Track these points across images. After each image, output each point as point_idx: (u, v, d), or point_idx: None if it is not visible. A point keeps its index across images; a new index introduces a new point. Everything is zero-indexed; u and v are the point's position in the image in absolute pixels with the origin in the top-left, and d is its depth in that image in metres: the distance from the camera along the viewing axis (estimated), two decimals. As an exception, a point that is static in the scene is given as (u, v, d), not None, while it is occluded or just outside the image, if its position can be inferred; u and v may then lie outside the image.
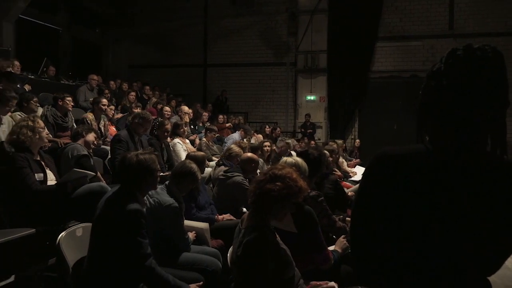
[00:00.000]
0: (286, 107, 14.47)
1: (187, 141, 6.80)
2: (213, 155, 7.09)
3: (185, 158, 4.22)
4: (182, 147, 6.20)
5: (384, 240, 1.23)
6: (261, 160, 6.28)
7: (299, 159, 2.98)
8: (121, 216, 2.41)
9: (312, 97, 13.74)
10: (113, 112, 7.18)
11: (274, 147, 7.80)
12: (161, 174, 4.51)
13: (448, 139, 1.17)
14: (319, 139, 12.76)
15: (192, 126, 8.69)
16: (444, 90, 1.17)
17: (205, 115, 9.73)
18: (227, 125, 10.77)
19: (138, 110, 7.01)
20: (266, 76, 14.56)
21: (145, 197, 2.96)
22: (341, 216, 3.61)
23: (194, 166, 3.28)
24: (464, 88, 1.14)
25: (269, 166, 6.96)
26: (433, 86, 1.20)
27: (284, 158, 3.03)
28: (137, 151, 2.70)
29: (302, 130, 13.05)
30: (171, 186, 3.18)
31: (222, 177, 4.48)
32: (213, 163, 6.12)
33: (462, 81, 1.14)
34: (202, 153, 4.62)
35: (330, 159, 5.89)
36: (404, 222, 1.19)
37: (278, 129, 11.03)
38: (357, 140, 12.65)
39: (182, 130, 6.50)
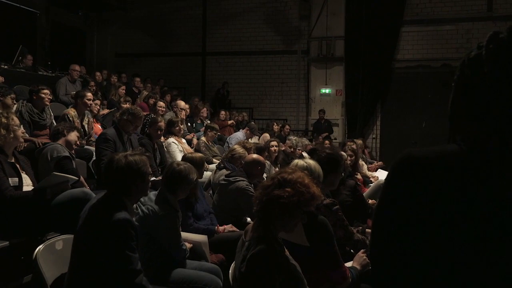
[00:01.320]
0: (297, 102, 14.48)
1: (184, 140, 6.83)
2: (213, 156, 7.12)
3: (181, 160, 4.23)
4: (177, 148, 6.23)
5: (411, 257, 1.20)
6: (268, 163, 6.29)
7: (312, 162, 2.99)
8: (107, 226, 2.42)
9: (327, 90, 13.75)
10: (98, 107, 7.22)
11: (283, 147, 7.80)
12: (154, 178, 4.54)
13: (489, 138, 1.14)
14: (335, 139, 12.77)
15: (189, 124, 8.74)
16: (485, 80, 1.13)
17: (204, 111, 9.76)
18: (229, 122, 10.80)
19: (127, 105, 7.05)
20: (274, 66, 14.60)
21: (135, 205, 2.97)
22: (360, 228, 3.60)
23: (184, 167, 3.28)
24: (511, 77, 1.10)
25: (277, 169, 7.00)
26: (469, 76, 1.18)
27: (295, 161, 3.03)
28: (126, 152, 2.72)
29: (316, 128, 13.05)
30: (164, 192, 3.20)
31: (223, 182, 4.49)
32: (213, 166, 6.13)
33: (508, 69, 1.11)
34: (200, 154, 4.64)
35: (348, 161, 5.88)
36: (436, 237, 1.16)
37: (288, 127, 11.06)
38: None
39: (177, 128, 6.53)
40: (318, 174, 2.96)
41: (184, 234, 3.54)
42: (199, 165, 4.19)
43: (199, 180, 4.49)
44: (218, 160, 6.39)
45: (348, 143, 8.08)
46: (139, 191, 2.65)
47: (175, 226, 3.08)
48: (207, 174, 5.99)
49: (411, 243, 1.21)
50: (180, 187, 3.23)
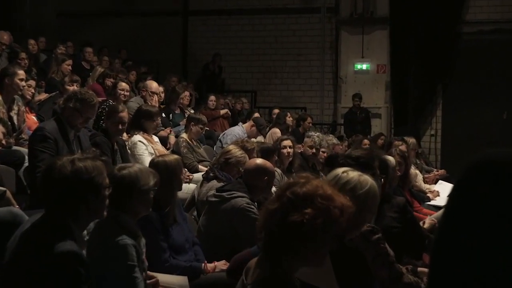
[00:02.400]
0: (320, 83, 14.50)
1: (156, 139, 6.83)
2: (199, 162, 7.12)
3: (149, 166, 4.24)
4: (146, 149, 6.23)
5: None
6: (278, 171, 6.28)
7: (370, 182, 2.93)
8: (45, 263, 2.43)
9: (364, 66, 13.78)
10: (33, 91, 7.23)
11: (301, 149, 7.80)
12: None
13: None
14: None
15: (163, 115, 8.74)
16: None
17: (186, 96, 9.77)
18: (223, 112, 10.79)
19: (74, 88, 7.04)
20: (288, 30, 14.64)
21: (85, 231, 2.97)
22: (410, 266, 3.60)
23: (130, 170, 3.24)
24: None
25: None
26: None
27: (336, 171, 2.98)
28: (73, 154, 2.72)
29: (348, 120, 13.04)
30: (112, 211, 3.15)
31: (214, 199, 4.47)
32: (198, 176, 6.13)
33: None
34: (175, 156, 4.61)
35: (397, 170, 5.85)
36: None
37: (309, 119, 10.99)
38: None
39: (154, 122, 6.53)
40: (369, 203, 2.90)
41: (157, 276, 3.53)
42: (174, 173, 4.16)
43: (178, 196, 4.49)
44: (207, 167, 6.38)
45: (396, 142, 8.07)
46: (92, 211, 2.66)
47: (132, 263, 3.07)
48: (189, 188, 5.98)
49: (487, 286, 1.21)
50: (130, 200, 3.21)
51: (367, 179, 2.91)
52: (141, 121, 6.47)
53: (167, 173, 3.99)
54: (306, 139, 8.02)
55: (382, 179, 3.86)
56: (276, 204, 2.21)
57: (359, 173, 2.94)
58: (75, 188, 2.59)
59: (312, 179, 2.26)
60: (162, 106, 8.86)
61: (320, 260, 2.23)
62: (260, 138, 8.84)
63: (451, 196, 1.26)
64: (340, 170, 2.95)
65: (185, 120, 8.11)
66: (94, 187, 2.63)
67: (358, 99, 13.06)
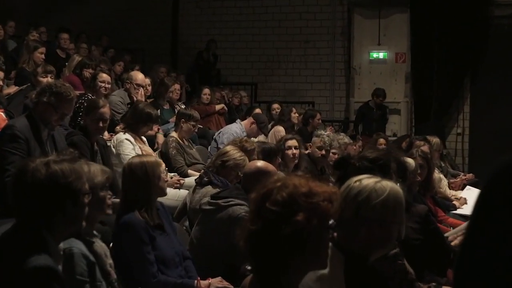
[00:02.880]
0: (331, 74, 14.50)
1: (144, 138, 6.83)
2: (190, 164, 7.13)
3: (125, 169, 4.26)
4: (133, 149, 6.24)
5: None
6: (282, 175, 6.29)
7: (390, 188, 2.82)
8: (16, 279, 2.44)
9: (381, 55, 13.81)
10: (0, 83, 7.24)
11: (308, 149, 7.80)
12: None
13: None
14: (394, 135, 12.77)
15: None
16: None
17: (176, 88, 9.76)
18: (218, 107, 10.80)
19: (48, 80, 7.04)
20: (293, 13, 14.65)
21: (62, 244, 2.98)
22: (434, 284, 3.61)
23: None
24: None
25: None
26: None
27: (349, 181, 2.88)
28: (47, 156, 2.73)
29: (362, 116, 13.02)
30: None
31: (208, 207, 4.50)
32: (190, 181, 6.13)
33: None
34: (153, 158, 4.57)
35: (418, 175, 5.84)
36: None
37: (318, 115, 10.96)
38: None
39: (147, 126, 6.54)
40: (390, 213, 2.82)
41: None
42: (153, 176, 4.16)
43: (164, 202, 4.50)
44: (200, 170, 6.39)
45: (417, 142, 8.07)
46: (69, 221, 2.66)
47: (81, 277, 3.05)
48: (180, 195, 5.98)
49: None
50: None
51: (385, 185, 2.77)
52: (139, 125, 6.48)
53: (144, 175, 4.04)
54: (314, 139, 7.98)
55: (398, 184, 3.85)
56: (259, 223, 2.17)
57: (376, 179, 2.81)
58: (50, 195, 2.58)
59: (284, 179, 2.25)
60: (148, 101, 8.84)
61: (324, 260, 2.23)
62: (261, 138, 8.82)
63: (477, 205, 1.27)
64: (353, 180, 2.83)
65: (175, 116, 8.07)
66: (72, 193, 2.63)
67: (381, 96, 12.84)
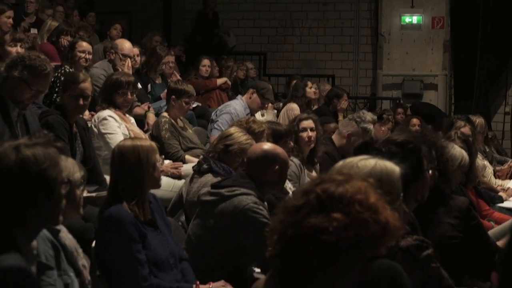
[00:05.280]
0: (354, 42, 14.45)
1: (131, 119, 6.85)
2: (187, 149, 7.14)
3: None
4: (119, 127, 6.25)
5: None
6: (295, 161, 6.30)
7: (388, 164, 2.98)
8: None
9: (415, 19, 13.77)
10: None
11: (328, 130, 7.80)
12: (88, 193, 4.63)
13: None
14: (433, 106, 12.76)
15: (139, 86, 8.74)
16: None
17: (170, 60, 9.80)
18: (220, 81, 10.82)
19: (17, 50, 7.06)
20: (309, -30, 14.59)
21: (35, 241, 3.00)
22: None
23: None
24: None
25: (314, 173, 6.94)
26: None
27: (351, 160, 3.00)
28: (17, 140, 2.74)
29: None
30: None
31: (208, 197, 4.51)
32: (187, 168, 6.15)
33: None
34: (148, 141, 4.57)
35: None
36: None
37: (346, 96, 10.75)
38: None
39: (124, 95, 6.52)
40: (396, 188, 2.94)
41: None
42: (146, 163, 4.14)
43: (156, 193, 4.51)
44: (198, 156, 6.41)
45: (458, 123, 8.04)
46: (44, 216, 2.68)
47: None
48: (176, 185, 6.01)
49: None
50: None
51: (387, 166, 2.93)
52: (112, 96, 6.48)
53: (136, 162, 4.03)
54: (346, 121, 7.91)
55: (431, 171, 3.84)
56: (300, 201, 2.20)
57: (381, 161, 2.94)
58: (20, 185, 2.59)
59: (355, 180, 2.26)
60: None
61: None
62: (270, 116, 8.77)
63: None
64: (356, 159, 2.95)
65: (166, 92, 7.99)
66: (46, 183, 2.63)
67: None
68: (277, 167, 4.52)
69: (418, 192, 3.42)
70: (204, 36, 13.71)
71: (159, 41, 10.98)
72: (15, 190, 2.59)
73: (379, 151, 3.53)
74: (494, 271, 4.42)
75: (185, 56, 12.31)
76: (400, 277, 2.73)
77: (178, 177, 6.27)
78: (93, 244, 4.12)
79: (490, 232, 5.34)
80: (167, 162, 6.50)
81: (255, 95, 8.51)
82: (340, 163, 3.01)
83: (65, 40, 8.55)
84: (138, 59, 8.91)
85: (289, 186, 5.73)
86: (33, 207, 2.63)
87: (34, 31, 9.68)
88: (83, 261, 3.42)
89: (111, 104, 6.45)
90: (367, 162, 2.93)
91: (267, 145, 4.79)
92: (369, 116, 8.43)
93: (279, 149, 4.69)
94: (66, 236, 3.36)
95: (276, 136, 6.08)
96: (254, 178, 4.50)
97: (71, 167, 3.32)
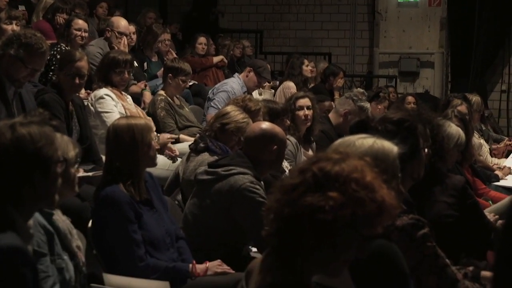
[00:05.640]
0: (351, 20, 14.44)
1: (128, 98, 6.83)
2: (183, 128, 7.13)
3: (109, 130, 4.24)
4: (115, 106, 6.24)
5: None
6: (292, 140, 6.31)
7: (386, 144, 2.98)
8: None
9: (411, -4, 13.71)
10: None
11: (323, 109, 7.78)
12: (82, 173, 4.61)
13: None
14: (426, 92, 12.76)
15: (136, 64, 8.72)
16: None
17: (166, 38, 9.77)
18: (216, 60, 10.80)
19: (13, 28, 7.03)
20: None
21: (31, 220, 3.00)
22: (471, 268, 3.64)
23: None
24: None
25: (311, 152, 6.95)
26: None
27: (348, 139, 3.00)
28: (13, 118, 2.73)
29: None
30: None
31: (205, 176, 4.52)
32: (183, 147, 6.15)
33: None
34: (145, 124, 4.54)
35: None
36: None
37: (342, 74, 10.71)
38: None
39: (122, 74, 6.50)
40: (395, 167, 2.95)
41: (125, 281, 3.60)
42: (141, 142, 4.11)
43: (153, 172, 4.50)
44: (194, 134, 6.40)
45: (454, 101, 8.04)
46: (40, 195, 2.68)
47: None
48: (172, 164, 6.01)
49: None
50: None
51: (384, 145, 2.93)
52: (109, 74, 6.46)
53: (131, 141, 4.02)
54: (343, 100, 7.91)
55: (427, 150, 3.83)
56: (297, 180, 2.21)
57: (378, 140, 2.94)
58: (16, 163, 2.59)
59: (352, 158, 2.26)
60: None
61: (337, 268, 2.24)
62: (267, 95, 8.77)
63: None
64: (353, 138, 2.95)
65: (163, 70, 8.05)
66: (41, 161, 2.63)
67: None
68: (275, 146, 4.52)
69: (414, 171, 3.43)
70: (200, 13, 13.65)
71: (154, 18, 10.97)
72: (11, 169, 2.59)
73: (375, 129, 3.53)
74: (489, 250, 4.44)
75: (181, 34, 12.26)
76: (396, 258, 2.74)
77: (173, 158, 6.26)
78: (90, 223, 4.13)
79: (489, 209, 5.36)
80: (167, 136, 6.49)
81: (251, 74, 8.48)
82: (339, 141, 3.01)
83: (61, 18, 8.51)
84: (134, 37, 8.88)
85: (285, 164, 5.73)
86: (29, 186, 2.62)
87: (22, 8, 9.59)
88: (77, 242, 3.42)
89: (108, 82, 6.43)
90: (364, 141, 2.93)
91: (265, 125, 4.78)
92: (357, 92, 8.48)
93: (277, 129, 4.69)
94: (60, 218, 3.36)
95: (273, 114, 6.09)
96: (251, 158, 4.49)
97: (65, 145, 3.31)
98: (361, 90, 9.10)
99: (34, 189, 2.64)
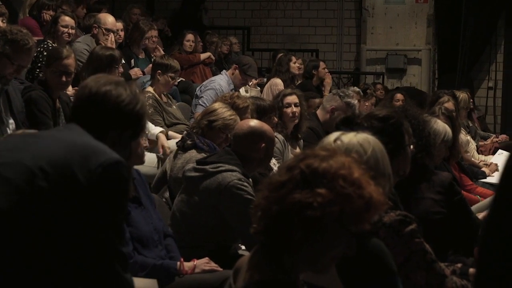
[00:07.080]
0: (338, 16, 14.44)
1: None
2: (171, 125, 7.14)
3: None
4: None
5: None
6: (280, 137, 6.31)
7: (371, 139, 2.99)
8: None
9: (398, -8, 13.74)
10: None
11: (311, 106, 7.78)
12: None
13: None
14: (414, 88, 12.78)
15: (123, 61, 8.71)
16: None
17: (153, 34, 9.74)
18: (204, 56, 10.79)
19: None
20: None
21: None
22: (460, 265, 3.64)
23: None
24: None
25: (298, 150, 6.94)
26: None
27: (332, 136, 3.00)
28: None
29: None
30: None
31: (193, 173, 4.51)
32: (171, 144, 6.15)
33: None
34: None
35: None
36: None
37: (322, 64, 10.86)
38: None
39: (112, 70, 6.49)
40: (384, 163, 2.96)
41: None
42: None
43: (140, 170, 4.49)
44: (182, 132, 6.40)
45: (442, 98, 8.05)
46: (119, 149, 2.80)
47: None
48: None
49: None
50: None
51: (366, 138, 2.93)
52: (98, 72, 6.42)
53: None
54: (330, 96, 7.88)
55: (413, 146, 3.84)
56: (284, 177, 2.22)
57: (353, 133, 2.94)
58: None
59: (339, 155, 2.27)
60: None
61: (325, 264, 2.25)
62: (254, 92, 8.76)
63: (505, 172, 1.29)
64: (332, 138, 2.93)
65: (151, 66, 8.02)
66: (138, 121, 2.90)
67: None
68: (263, 144, 4.52)
69: (400, 168, 3.43)
70: (188, 10, 13.61)
71: (138, 14, 10.93)
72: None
73: (361, 125, 3.53)
74: (477, 247, 4.45)
75: (169, 30, 12.24)
76: (385, 256, 2.75)
77: (162, 156, 6.25)
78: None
79: (474, 207, 5.38)
80: (159, 128, 6.50)
81: (237, 71, 8.48)
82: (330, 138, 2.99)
83: (47, 15, 8.49)
84: (121, 34, 8.86)
85: (273, 162, 5.73)
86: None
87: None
88: None
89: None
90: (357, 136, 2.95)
91: (254, 122, 4.76)
92: (352, 92, 8.42)
93: (266, 127, 4.68)
94: None
95: (260, 111, 6.09)
96: (239, 155, 4.49)
97: None
98: (357, 89, 9.04)
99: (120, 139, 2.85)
